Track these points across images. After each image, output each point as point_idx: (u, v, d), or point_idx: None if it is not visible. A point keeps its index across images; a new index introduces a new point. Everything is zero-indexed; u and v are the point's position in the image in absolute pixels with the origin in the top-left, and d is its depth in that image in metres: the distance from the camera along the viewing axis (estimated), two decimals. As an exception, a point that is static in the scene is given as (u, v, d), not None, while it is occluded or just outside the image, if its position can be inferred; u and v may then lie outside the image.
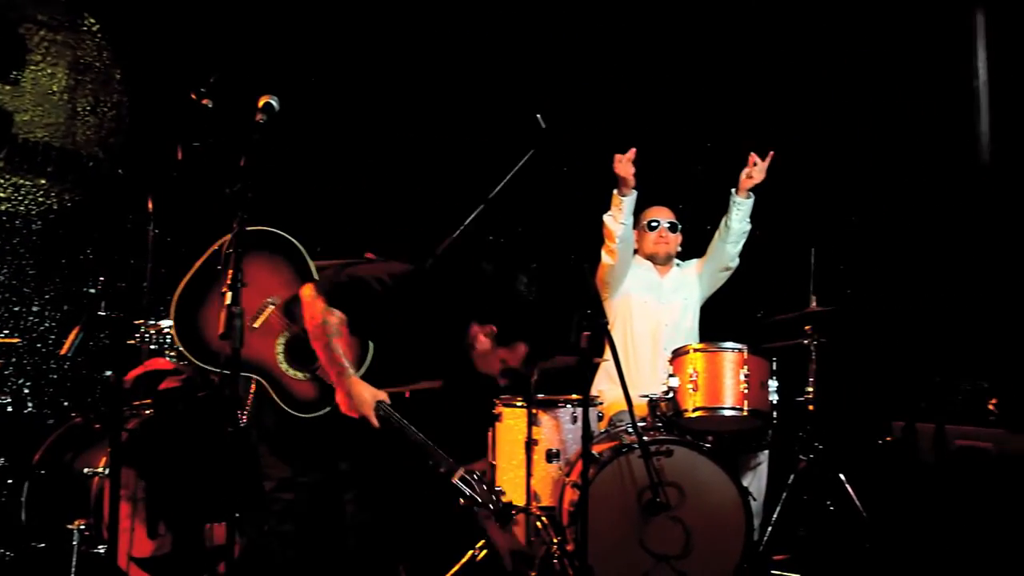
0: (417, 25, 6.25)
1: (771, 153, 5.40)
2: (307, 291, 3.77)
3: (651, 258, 5.71)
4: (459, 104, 6.36)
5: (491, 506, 3.92)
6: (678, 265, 5.77)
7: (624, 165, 5.27)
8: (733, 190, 5.47)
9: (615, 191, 5.33)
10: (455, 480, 3.90)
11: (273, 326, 3.85)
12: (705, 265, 5.69)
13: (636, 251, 5.71)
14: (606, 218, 5.39)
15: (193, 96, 3.68)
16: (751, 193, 5.45)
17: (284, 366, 3.87)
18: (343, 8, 6.12)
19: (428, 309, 3.98)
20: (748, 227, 5.54)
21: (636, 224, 5.62)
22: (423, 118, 6.32)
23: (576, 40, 6.41)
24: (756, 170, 5.41)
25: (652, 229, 5.67)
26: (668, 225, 5.68)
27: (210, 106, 3.72)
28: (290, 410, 3.85)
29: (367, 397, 3.83)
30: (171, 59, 5.67)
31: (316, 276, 3.88)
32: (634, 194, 5.31)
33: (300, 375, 3.88)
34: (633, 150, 5.22)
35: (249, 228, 3.46)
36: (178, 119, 3.83)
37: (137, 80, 5.96)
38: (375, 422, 3.84)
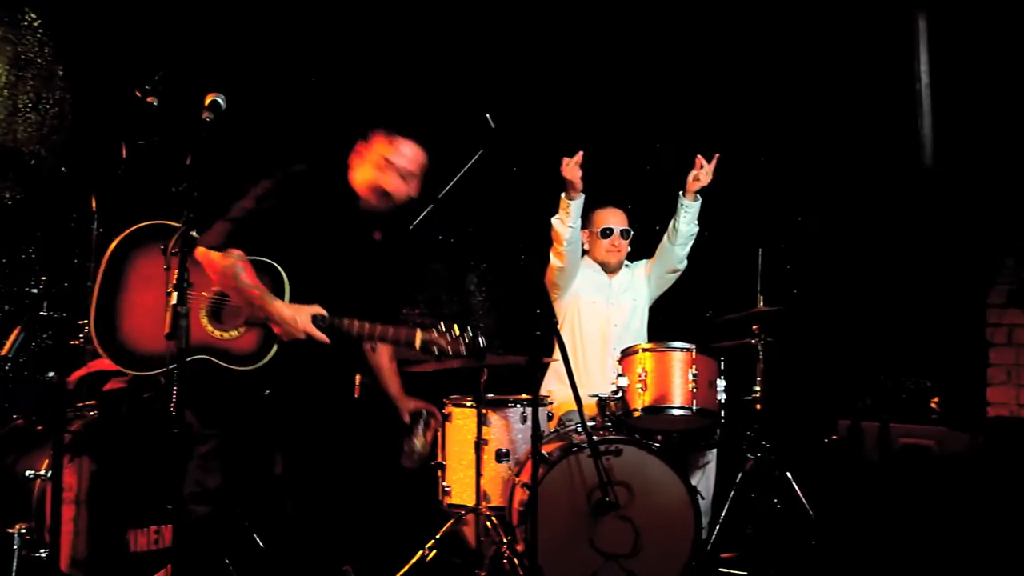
0: (366, 23, 6.21)
1: (716, 156, 5.41)
2: (198, 252, 3.71)
3: (602, 265, 5.70)
4: (407, 103, 6.33)
5: (463, 350, 3.87)
6: (627, 266, 5.78)
7: (571, 168, 5.20)
8: (680, 192, 5.46)
9: (563, 194, 5.30)
10: (417, 343, 3.84)
11: (193, 305, 3.79)
12: (653, 267, 5.69)
13: (586, 253, 5.71)
14: (554, 221, 5.36)
15: (138, 94, 3.63)
16: (698, 196, 5.44)
17: (217, 333, 3.82)
18: (289, 4, 6.07)
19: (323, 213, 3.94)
20: (696, 229, 5.53)
21: (586, 226, 5.61)
22: (371, 117, 6.27)
23: (525, 40, 6.40)
24: (702, 172, 5.40)
25: (605, 237, 5.62)
26: (621, 231, 5.63)
27: (155, 104, 3.68)
28: (242, 368, 3.79)
29: (294, 314, 3.77)
30: (115, 56, 5.58)
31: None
32: (582, 197, 5.28)
33: (234, 332, 3.83)
34: (580, 153, 5.18)
35: (140, 225, 3.48)
36: (122, 117, 3.77)
37: (80, 77, 5.87)
38: (320, 335, 3.78)
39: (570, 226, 5.31)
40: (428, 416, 4.30)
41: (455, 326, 3.87)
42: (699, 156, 5.41)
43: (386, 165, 3.98)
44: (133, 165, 3.71)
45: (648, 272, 5.71)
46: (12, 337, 4.46)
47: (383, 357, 4.36)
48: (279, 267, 3.82)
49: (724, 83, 6.60)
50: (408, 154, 4.02)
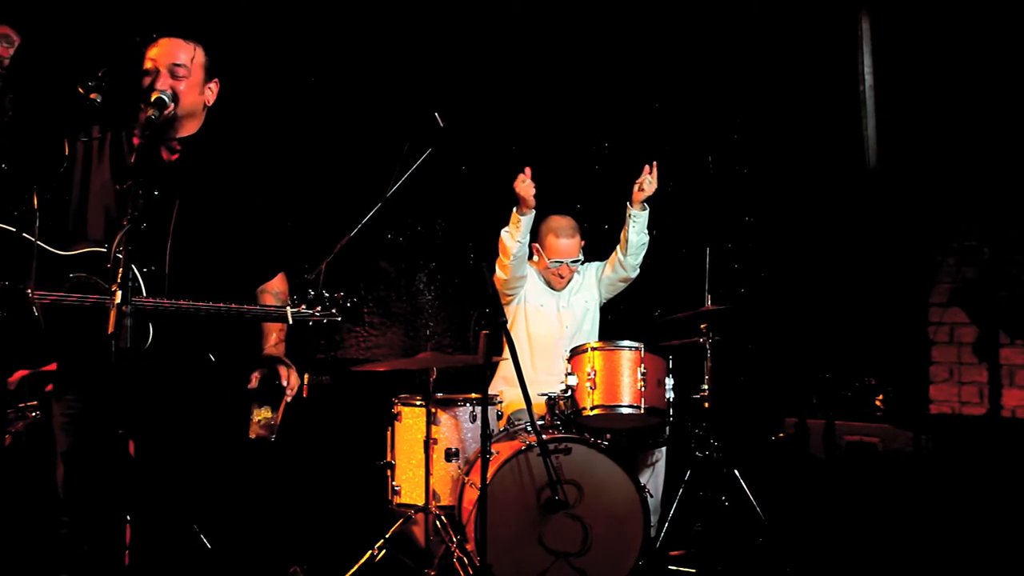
0: (313, 21, 6.16)
1: (655, 163, 5.39)
2: None
3: (547, 283, 5.64)
4: (355, 101, 6.30)
5: (336, 313, 3.68)
6: (578, 272, 5.77)
7: (525, 186, 5.15)
8: (628, 203, 5.44)
9: (515, 208, 5.25)
10: (288, 316, 3.64)
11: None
12: (605, 274, 5.67)
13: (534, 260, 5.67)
14: (503, 234, 5.31)
15: (81, 90, 3.55)
16: (646, 205, 5.41)
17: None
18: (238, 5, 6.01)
19: None
20: (646, 239, 5.48)
21: (536, 237, 5.53)
22: (317, 115, 6.25)
23: (474, 37, 6.40)
24: (645, 181, 5.36)
25: (554, 264, 5.49)
26: (571, 262, 5.51)
27: (99, 100, 3.60)
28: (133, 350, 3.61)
29: None
30: (57, 51, 5.50)
31: None
32: (533, 213, 5.25)
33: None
34: (529, 169, 5.15)
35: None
36: (65, 113, 3.70)
37: (21, 72, 5.77)
38: None
39: (519, 241, 5.27)
40: (283, 388, 4.02)
41: (321, 292, 3.75)
42: (647, 165, 5.39)
43: (151, 63, 3.57)
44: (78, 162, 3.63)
45: (599, 277, 5.71)
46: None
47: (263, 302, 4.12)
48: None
49: (671, 82, 6.64)
50: (173, 47, 3.60)
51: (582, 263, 5.61)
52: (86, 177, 3.58)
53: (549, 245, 5.51)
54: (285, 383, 3.79)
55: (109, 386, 3.38)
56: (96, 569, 3.48)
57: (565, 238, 5.49)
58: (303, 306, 3.64)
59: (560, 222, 5.53)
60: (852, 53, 6.42)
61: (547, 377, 5.33)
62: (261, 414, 3.84)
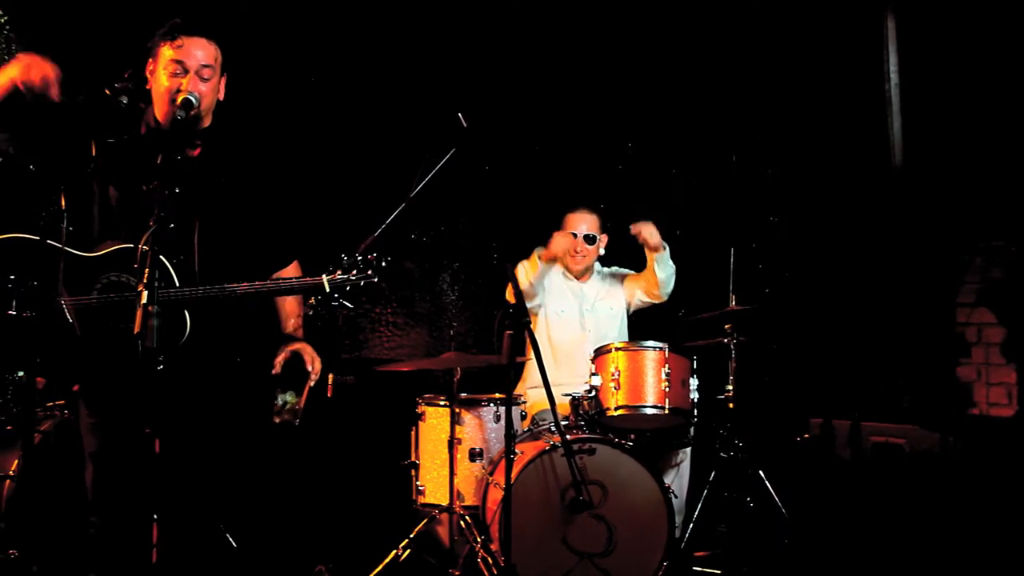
0: (339, 22, 6.18)
1: (636, 226, 5.36)
2: None
3: (567, 268, 5.69)
4: (380, 102, 6.31)
5: (372, 274, 3.66)
6: (599, 271, 5.77)
7: (561, 242, 5.42)
8: (644, 250, 5.44)
9: (539, 250, 5.35)
10: (325, 284, 3.63)
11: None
12: (636, 296, 5.68)
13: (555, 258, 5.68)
14: (520, 269, 5.40)
15: (108, 92, 3.57)
16: (664, 244, 5.40)
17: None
18: (264, 3, 6.04)
19: None
20: (672, 268, 5.51)
21: (556, 228, 5.60)
22: (343, 116, 6.27)
23: (498, 38, 6.40)
24: (646, 235, 5.35)
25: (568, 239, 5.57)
26: (585, 237, 5.57)
27: (125, 102, 3.62)
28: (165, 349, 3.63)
29: None
30: (85, 53, 5.54)
31: None
32: (553, 266, 5.35)
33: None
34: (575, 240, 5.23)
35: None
36: (93, 115, 3.73)
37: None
38: None
39: (531, 282, 5.38)
40: (307, 373, 4.01)
41: (359, 258, 3.74)
42: (632, 226, 5.35)
43: (176, 67, 3.56)
44: (104, 164, 3.66)
45: (629, 290, 5.70)
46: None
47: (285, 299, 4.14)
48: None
49: (696, 84, 6.62)
50: (199, 48, 3.59)
51: (596, 240, 5.61)
52: (111, 177, 3.60)
53: (565, 222, 5.61)
54: (309, 368, 3.81)
55: (137, 386, 3.40)
56: (124, 568, 3.51)
57: (579, 214, 5.60)
58: (338, 272, 3.66)
59: (576, 209, 5.65)
60: (877, 52, 6.39)
61: (571, 380, 5.32)
62: (285, 399, 3.86)
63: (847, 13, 6.38)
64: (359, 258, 3.68)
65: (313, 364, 3.82)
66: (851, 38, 6.40)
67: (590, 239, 5.58)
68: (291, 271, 4.01)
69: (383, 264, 3.70)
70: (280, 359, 3.84)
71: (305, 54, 6.14)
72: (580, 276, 5.70)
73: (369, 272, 3.68)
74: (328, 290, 3.65)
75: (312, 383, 3.84)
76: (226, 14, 5.60)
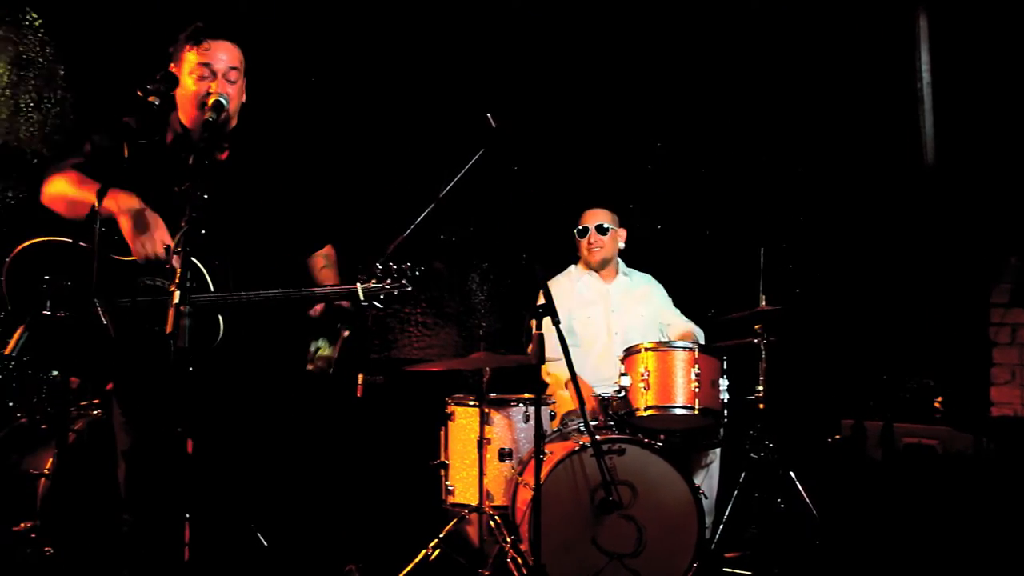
0: (368, 24, 6.20)
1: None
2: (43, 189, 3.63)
3: (590, 266, 5.73)
4: (409, 102, 6.33)
5: (406, 284, 3.74)
6: (627, 274, 5.79)
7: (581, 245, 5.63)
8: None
9: (568, 385, 5.29)
10: (359, 293, 3.68)
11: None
12: (660, 324, 5.75)
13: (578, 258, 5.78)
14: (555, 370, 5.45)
15: (139, 93, 3.60)
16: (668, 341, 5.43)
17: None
18: (294, 5, 6.06)
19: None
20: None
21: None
22: (373, 117, 6.29)
23: (527, 39, 6.40)
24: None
25: (582, 236, 5.70)
26: (596, 228, 5.66)
27: (157, 103, 3.66)
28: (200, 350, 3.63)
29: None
30: (117, 55, 5.59)
31: None
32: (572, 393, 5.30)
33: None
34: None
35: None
36: (124, 116, 3.76)
37: (81, 76, 5.87)
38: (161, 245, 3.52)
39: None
40: (342, 326, 4.06)
41: (393, 266, 3.77)
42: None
43: (204, 71, 3.60)
44: (135, 164, 3.68)
45: (663, 318, 5.77)
46: (16, 336, 4.45)
47: (316, 264, 4.10)
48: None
49: (725, 82, 6.59)
50: (224, 51, 3.64)
51: (609, 231, 5.66)
52: (142, 180, 3.63)
53: (580, 221, 5.72)
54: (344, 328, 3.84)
55: (169, 386, 3.42)
56: (156, 566, 3.53)
57: (591, 211, 5.71)
58: (372, 280, 3.68)
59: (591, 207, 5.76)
60: (910, 50, 6.34)
61: (598, 381, 5.31)
62: (319, 346, 3.90)
63: (879, 11, 6.34)
64: (393, 266, 3.71)
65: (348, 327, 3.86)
66: (883, 36, 6.36)
67: (602, 229, 5.66)
68: (326, 253, 4.05)
69: (417, 273, 3.73)
70: (318, 307, 3.88)
71: (332, 54, 6.16)
72: (603, 273, 5.73)
73: (403, 281, 3.71)
74: (362, 298, 3.67)
75: (346, 335, 3.87)
76: (251, 15, 5.65)
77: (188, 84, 3.61)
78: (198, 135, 3.58)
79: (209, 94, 3.57)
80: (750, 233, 6.34)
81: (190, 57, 3.62)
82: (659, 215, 5.99)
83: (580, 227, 5.70)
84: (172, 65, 3.66)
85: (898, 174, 6.39)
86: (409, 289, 3.73)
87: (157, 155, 3.66)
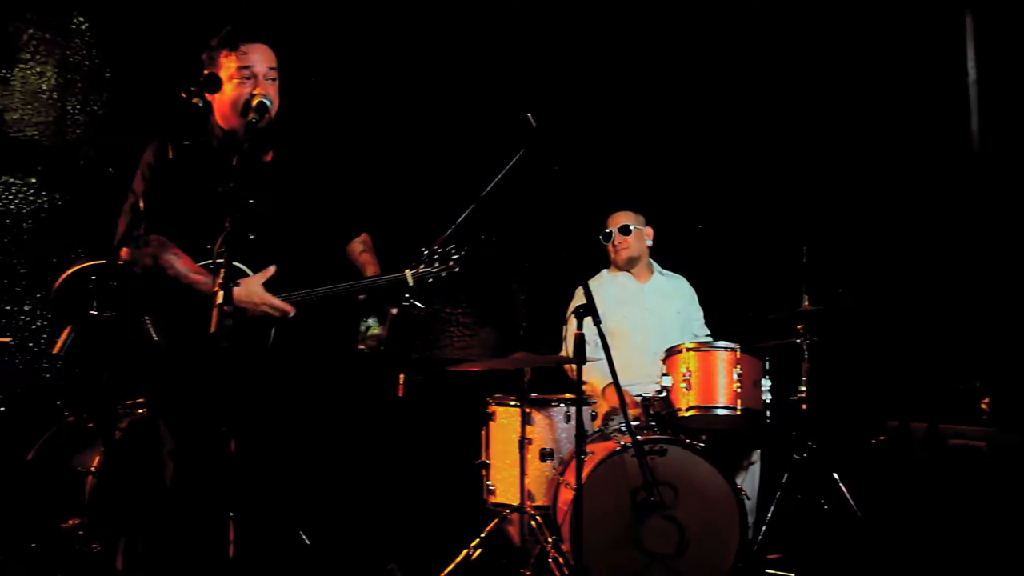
0: (409, 24, 6.23)
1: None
2: (123, 254, 3.58)
3: (617, 266, 5.76)
4: (449, 103, 6.34)
5: (453, 265, 3.80)
6: (663, 274, 5.78)
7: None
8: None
9: (602, 394, 5.35)
10: (408, 279, 3.73)
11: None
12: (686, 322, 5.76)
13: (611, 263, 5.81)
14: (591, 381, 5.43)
15: (184, 95, 3.64)
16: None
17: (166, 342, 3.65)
18: (334, 6, 6.10)
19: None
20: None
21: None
22: (413, 118, 6.31)
23: (567, 40, 6.39)
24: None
25: (607, 241, 5.75)
26: (619, 229, 5.70)
27: (201, 105, 3.69)
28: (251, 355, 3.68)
29: (245, 288, 3.57)
30: (161, 57, 5.64)
31: None
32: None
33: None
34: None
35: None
36: (169, 117, 3.80)
37: (127, 78, 5.93)
38: (288, 308, 3.61)
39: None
40: (390, 305, 4.07)
41: (439, 250, 3.80)
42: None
43: (244, 73, 3.64)
44: (180, 166, 3.72)
45: (690, 316, 5.77)
46: (63, 336, 4.52)
47: (355, 250, 4.11)
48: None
49: (771, 80, 6.55)
50: (262, 54, 3.69)
51: (631, 231, 5.69)
52: (182, 181, 3.66)
53: (605, 225, 5.77)
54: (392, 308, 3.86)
55: (215, 386, 3.45)
56: (201, 564, 3.56)
57: (616, 213, 5.76)
58: (421, 266, 3.70)
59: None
60: (957, 47, 6.26)
61: (634, 380, 5.29)
62: (369, 324, 3.93)
63: (926, 8, 6.27)
64: (439, 250, 3.73)
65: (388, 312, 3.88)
66: (930, 33, 6.29)
67: (625, 230, 5.69)
68: (363, 239, 4.07)
69: (462, 254, 3.74)
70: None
71: (371, 54, 6.18)
72: (636, 273, 5.75)
73: (450, 263, 3.73)
74: (411, 284, 3.70)
75: (394, 312, 3.89)
76: (288, 13, 5.69)
77: (227, 89, 3.65)
78: (242, 138, 3.61)
79: (252, 96, 3.60)
80: (793, 232, 6.29)
81: (228, 62, 3.66)
82: (701, 214, 5.97)
83: (605, 232, 5.74)
84: (204, 71, 3.69)
85: (944, 171, 6.31)
86: (456, 271, 3.76)
87: (200, 158, 3.70)
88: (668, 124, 6.63)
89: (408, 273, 3.73)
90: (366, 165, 5.70)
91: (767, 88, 6.58)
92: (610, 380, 4.27)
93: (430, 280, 3.75)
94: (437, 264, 3.74)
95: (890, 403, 5.94)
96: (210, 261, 3.58)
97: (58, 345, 4.44)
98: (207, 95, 3.61)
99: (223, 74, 3.64)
